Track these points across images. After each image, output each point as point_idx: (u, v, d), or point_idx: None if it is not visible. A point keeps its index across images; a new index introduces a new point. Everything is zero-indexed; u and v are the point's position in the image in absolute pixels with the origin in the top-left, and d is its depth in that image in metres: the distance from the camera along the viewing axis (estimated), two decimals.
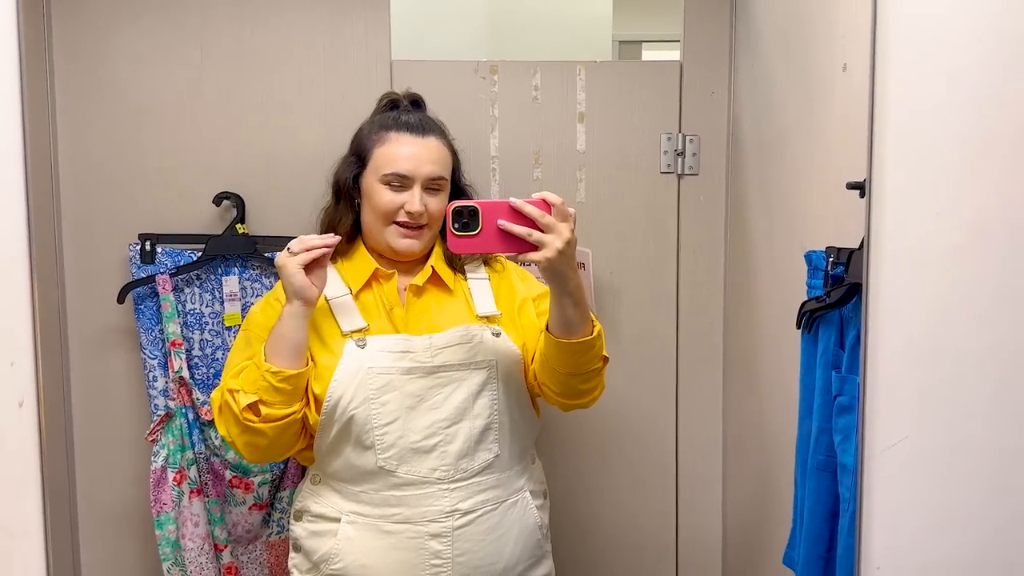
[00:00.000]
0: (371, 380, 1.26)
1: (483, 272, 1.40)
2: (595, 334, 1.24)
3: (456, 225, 1.15)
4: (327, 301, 1.32)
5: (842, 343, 1.10)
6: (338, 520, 1.29)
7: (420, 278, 1.34)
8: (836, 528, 1.11)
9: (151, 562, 1.67)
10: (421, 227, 1.33)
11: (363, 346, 1.28)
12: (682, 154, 1.75)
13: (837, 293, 1.07)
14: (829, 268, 1.11)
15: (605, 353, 1.29)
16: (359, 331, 1.30)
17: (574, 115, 1.74)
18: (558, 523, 1.76)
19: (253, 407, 1.21)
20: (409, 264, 1.37)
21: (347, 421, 1.26)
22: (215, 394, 1.28)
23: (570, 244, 1.14)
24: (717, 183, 1.76)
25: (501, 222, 1.13)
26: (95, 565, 1.71)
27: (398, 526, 1.27)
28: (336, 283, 1.33)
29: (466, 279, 1.39)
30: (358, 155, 1.37)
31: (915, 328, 0.64)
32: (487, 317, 1.34)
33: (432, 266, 1.35)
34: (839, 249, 1.10)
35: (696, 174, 1.76)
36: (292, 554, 1.36)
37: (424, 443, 1.27)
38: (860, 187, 0.95)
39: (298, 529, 1.34)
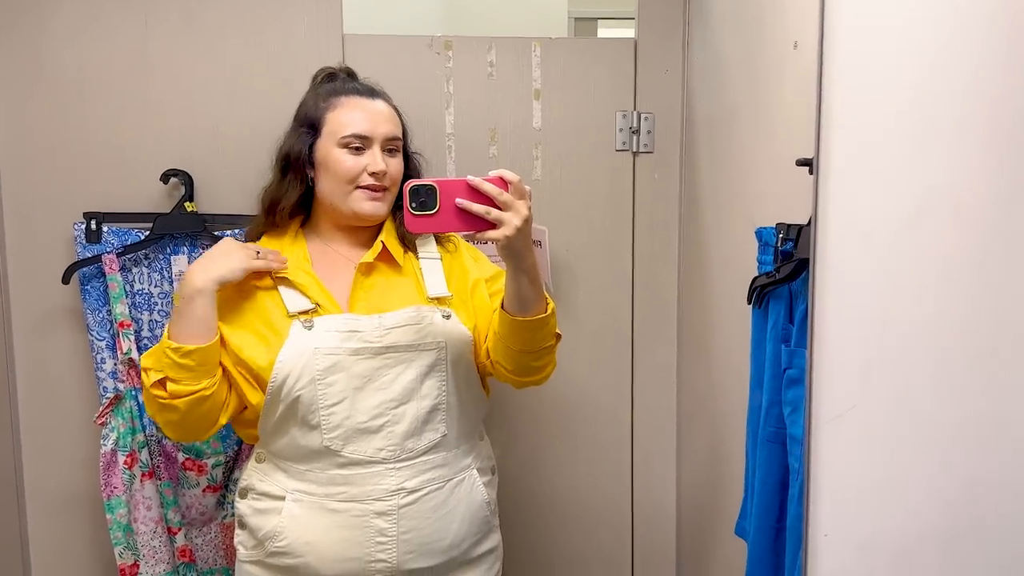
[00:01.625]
0: (317, 361, 1.25)
1: (435, 251, 1.39)
2: (549, 311, 1.25)
3: (413, 204, 1.13)
4: (273, 281, 1.31)
5: (791, 317, 1.12)
6: (283, 498, 1.29)
7: (370, 255, 1.33)
8: (786, 498, 1.14)
9: (102, 546, 1.64)
10: (385, 189, 1.33)
11: (310, 327, 1.27)
12: (637, 132, 1.76)
13: (786, 268, 1.08)
14: (779, 244, 1.13)
15: (557, 331, 1.30)
16: (306, 312, 1.29)
17: (530, 92, 1.73)
18: (513, 498, 1.78)
19: (161, 383, 1.22)
20: (359, 239, 1.37)
21: (293, 401, 1.25)
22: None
23: (527, 222, 1.14)
24: (671, 161, 1.77)
25: (459, 201, 1.12)
26: (44, 551, 1.68)
27: (343, 504, 1.27)
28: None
29: (417, 258, 1.38)
30: (308, 125, 1.35)
31: (861, 301, 0.65)
32: (438, 299, 1.34)
33: (383, 242, 1.34)
34: (788, 225, 1.11)
35: (651, 152, 1.77)
36: (237, 531, 1.36)
37: (371, 423, 1.26)
38: (809, 164, 0.97)
39: (243, 507, 1.34)
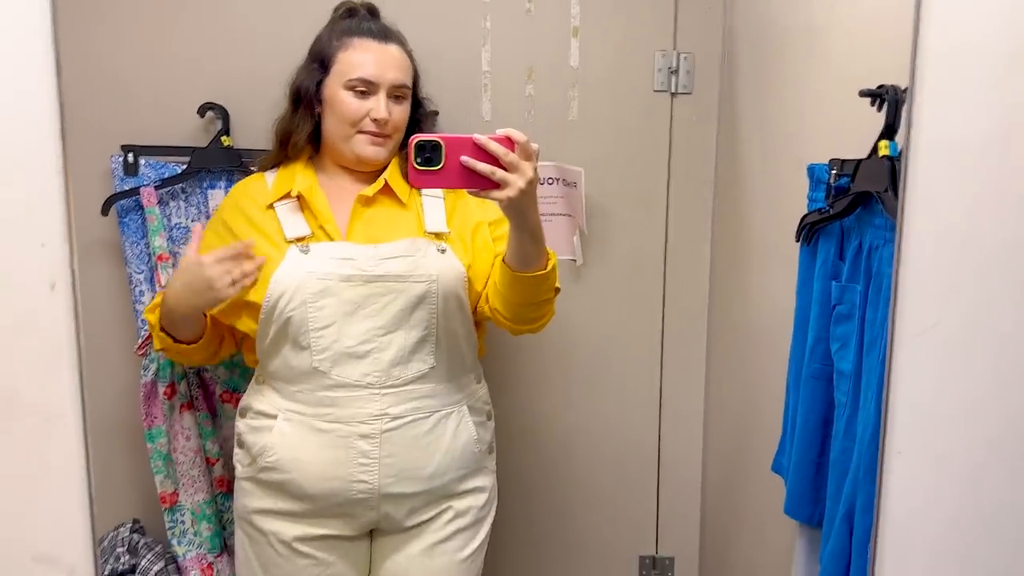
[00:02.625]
0: (310, 284, 1.28)
1: (440, 190, 1.40)
2: (549, 268, 1.26)
3: (418, 159, 1.12)
4: (272, 206, 1.35)
5: (842, 255, 1.12)
6: (275, 417, 1.33)
7: (371, 189, 1.35)
8: (828, 434, 1.15)
9: (143, 475, 1.67)
10: (387, 136, 1.34)
11: (306, 252, 1.30)
12: (676, 72, 1.73)
13: (842, 203, 1.08)
14: (832, 180, 1.12)
15: (558, 284, 1.32)
16: (302, 239, 1.32)
17: (568, 29, 1.71)
18: (543, 438, 1.81)
19: (164, 343, 1.37)
20: (364, 176, 1.39)
21: (284, 322, 1.29)
22: None
23: (532, 183, 1.14)
24: (710, 101, 1.75)
25: (464, 158, 1.12)
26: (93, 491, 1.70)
27: (330, 425, 1.30)
28: (283, 189, 1.36)
29: (420, 194, 1.39)
30: (320, 62, 1.36)
31: (947, 220, 0.65)
32: (435, 233, 1.35)
33: (385, 179, 1.36)
34: (843, 161, 1.10)
35: (689, 93, 1.75)
36: (236, 449, 1.40)
37: (358, 348, 1.29)
38: (874, 95, 0.96)
39: (241, 425, 1.38)
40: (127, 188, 1.57)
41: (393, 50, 1.35)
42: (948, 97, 0.63)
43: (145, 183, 1.58)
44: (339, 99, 1.32)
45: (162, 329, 1.36)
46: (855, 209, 1.06)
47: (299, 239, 1.31)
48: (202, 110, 1.60)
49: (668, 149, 1.77)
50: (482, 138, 1.11)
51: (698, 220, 1.80)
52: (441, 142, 1.12)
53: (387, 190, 1.36)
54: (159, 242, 1.57)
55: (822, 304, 1.14)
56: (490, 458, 1.45)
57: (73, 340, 0.55)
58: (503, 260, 1.26)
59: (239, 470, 1.39)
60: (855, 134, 1.05)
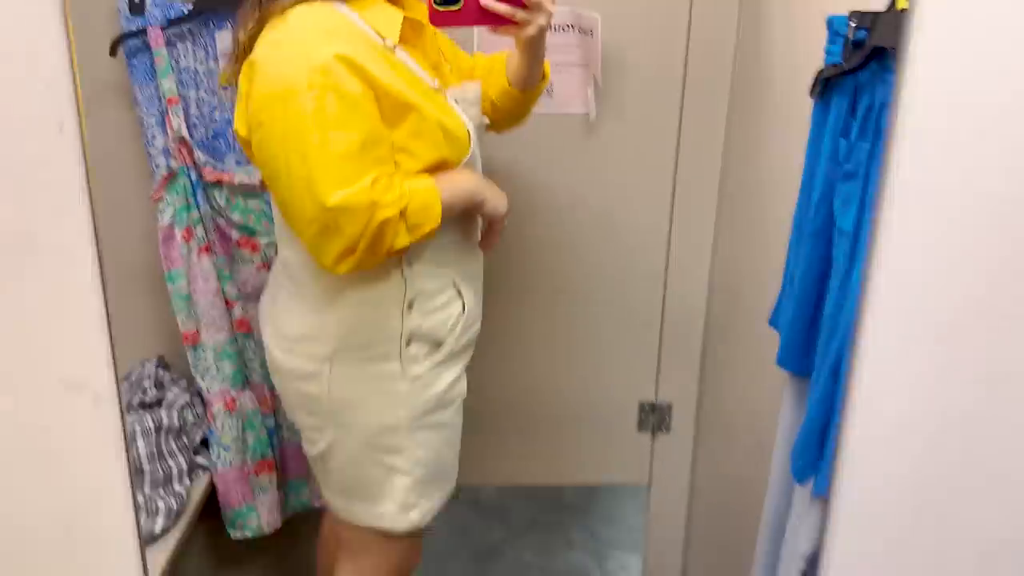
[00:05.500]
0: (473, 139, 1.24)
1: None
2: (546, 80, 1.37)
3: None
4: (386, 48, 1.14)
5: (854, 111, 1.10)
6: (452, 287, 1.27)
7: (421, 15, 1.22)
8: (824, 290, 1.18)
9: (166, 316, 1.74)
10: None
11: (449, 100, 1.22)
12: None
13: (856, 58, 1.05)
14: (850, 34, 1.09)
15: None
16: (438, 90, 1.20)
17: None
18: (546, 284, 1.85)
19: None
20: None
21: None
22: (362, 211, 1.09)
23: (550, 18, 1.16)
24: None
25: (484, 0, 1.12)
26: (114, 322, 1.78)
27: (477, 274, 1.35)
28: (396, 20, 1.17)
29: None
30: None
31: (950, 77, 0.64)
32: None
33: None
34: (863, 13, 1.07)
35: None
36: (408, 347, 1.25)
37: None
38: None
39: (416, 318, 1.23)
40: (134, 28, 1.55)
41: None
42: None
43: (152, 23, 1.55)
44: None
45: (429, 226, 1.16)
46: (869, 63, 1.03)
47: (436, 90, 1.19)
48: None
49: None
50: None
51: (716, 72, 1.75)
52: None
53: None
54: (168, 85, 1.56)
55: (831, 161, 1.14)
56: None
57: (83, 180, 0.57)
58: (507, 82, 1.33)
59: (421, 364, 1.26)
60: None
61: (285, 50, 1.08)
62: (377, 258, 1.13)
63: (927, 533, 0.82)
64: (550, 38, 1.31)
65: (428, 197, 1.14)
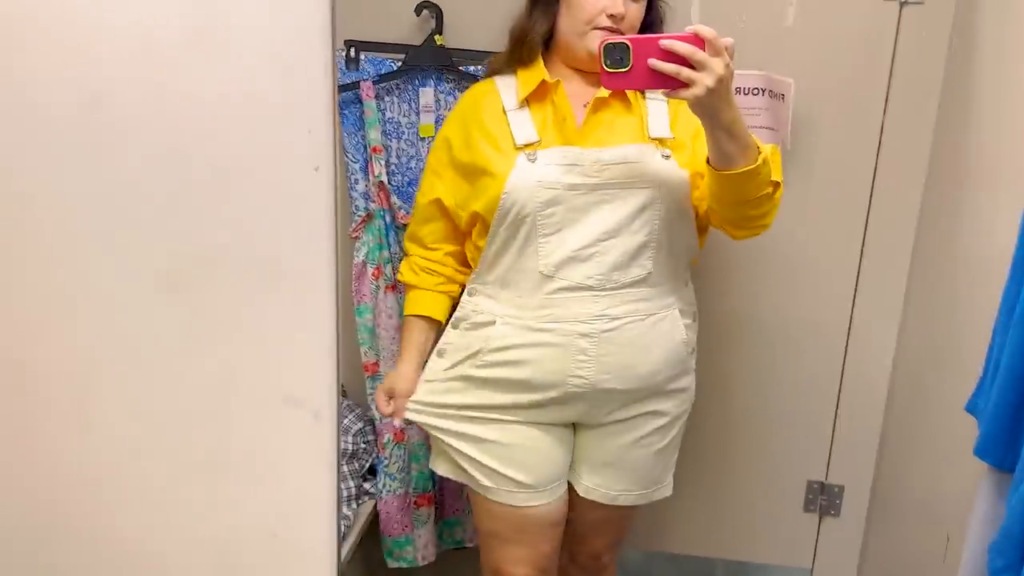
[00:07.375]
0: (539, 193, 1.31)
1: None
2: (759, 162, 1.19)
3: (608, 62, 1.14)
4: (504, 112, 1.38)
5: None
6: (493, 323, 1.38)
7: (606, 91, 1.34)
8: None
9: (348, 345, 1.85)
10: (622, 32, 1.33)
11: (533, 160, 1.33)
12: None
13: None
14: None
15: (775, 178, 1.25)
16: (531, 144, 1.34)
17: None
18: (718, 351, 1.81)
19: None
20: (590, 79, 1.39)
21: (514, 230, 1.34)
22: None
23: (723, 80, 1.10)
24: (943, 13, 1.60)
25: (651, 61, 1.12)
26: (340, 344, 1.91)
27: (550, 324, 1.35)
28: (512, 94, 1.39)
29: (644, 98, 1.39)
30: None
31: None
32: (659, 139, 1.35)
33: None
34: None
35: (920, 3, 1.61)
36: (434, 359, 1.46)
37: (581, 252, 1.33)
38: None
39: (452, 334, 1.44)
40: (348, 82, 1.69)
41: None
42: None
43: (365, 77, 1.69)
44: None
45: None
46: None
47: (528, 145, 1.34)
48: (418, 8, 1.67)
49: (891, 64, 1.65)
50: (668, 41, 1.11)
51: (915, 142, 1.68)
52: (628, 44, 1.13)
53: (619, 93, 1.37)
54: (374, 135, 1.69)
55: None
56: (693, 358, 1.49)
57: (332, 215, 0.63)
58: (706, 160, 1.23)
59: (435, 373, 1.45)
60: None
61: None
62: None
63: None
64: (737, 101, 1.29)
65: None
